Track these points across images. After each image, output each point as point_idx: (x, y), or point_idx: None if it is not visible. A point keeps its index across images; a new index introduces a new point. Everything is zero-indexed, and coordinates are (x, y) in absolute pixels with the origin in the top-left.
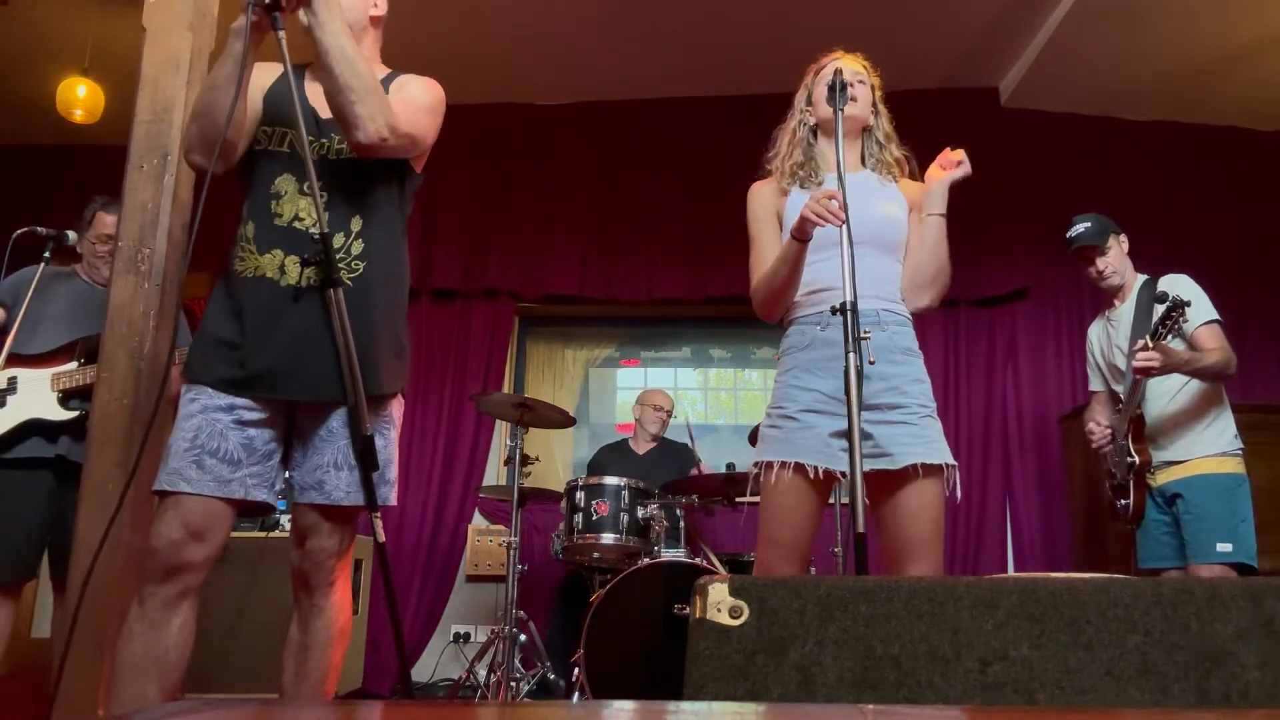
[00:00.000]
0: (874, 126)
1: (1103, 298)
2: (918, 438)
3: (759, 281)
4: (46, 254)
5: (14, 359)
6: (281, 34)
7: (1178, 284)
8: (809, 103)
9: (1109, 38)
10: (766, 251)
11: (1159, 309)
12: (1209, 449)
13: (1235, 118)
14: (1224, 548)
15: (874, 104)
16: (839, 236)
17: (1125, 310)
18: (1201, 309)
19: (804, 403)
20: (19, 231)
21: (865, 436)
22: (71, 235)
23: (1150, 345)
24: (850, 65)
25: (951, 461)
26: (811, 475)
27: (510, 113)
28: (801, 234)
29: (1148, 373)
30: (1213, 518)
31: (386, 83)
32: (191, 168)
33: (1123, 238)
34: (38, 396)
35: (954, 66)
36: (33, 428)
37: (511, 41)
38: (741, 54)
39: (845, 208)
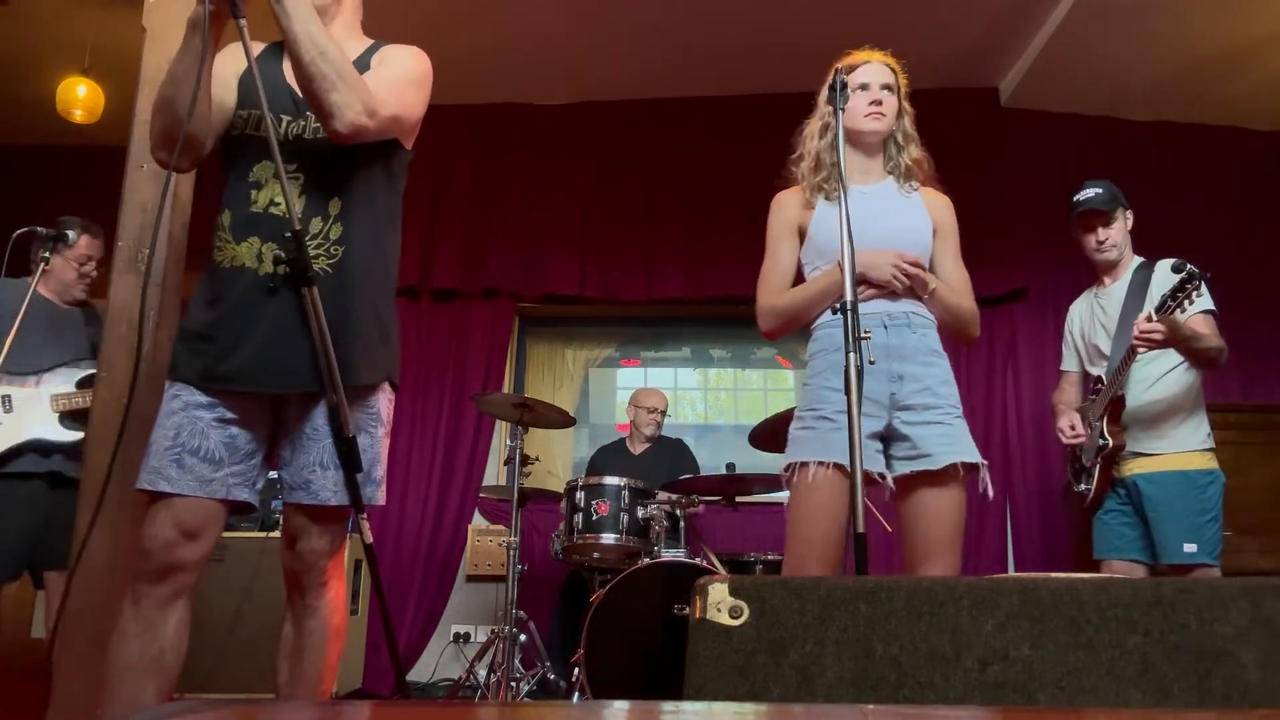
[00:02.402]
0: (896, 129)
1: (1093, 275)
2: (953, 438)
3: (780, 303)
4: (47, 254)
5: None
6: (243, 22)
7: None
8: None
9: (1109, 38)
10: (783, 266)
11: (1174, 278)
12: (1180, 445)
13: (1235, 118)
14: (1189, 548)
15: (899, 107)
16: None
17: (1116, 289)
18: (1201, 298)
19: (839, 404)
20: (19, 231)
21: (901, 438)
22: (72, 235)
23: (1155, 317)
24: (878, 70)
25: (983, 460)
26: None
27: (510, 113)
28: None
29: (1148, 345)
30: (1179, 516)
31: (368, 55)
32: (159, 165)
33: (1129, 214)
34: (38, 416)
35: (954, 66)
36: (31, 445)
37: (512, 42)
38: (741, 54)
39: (846, 212)
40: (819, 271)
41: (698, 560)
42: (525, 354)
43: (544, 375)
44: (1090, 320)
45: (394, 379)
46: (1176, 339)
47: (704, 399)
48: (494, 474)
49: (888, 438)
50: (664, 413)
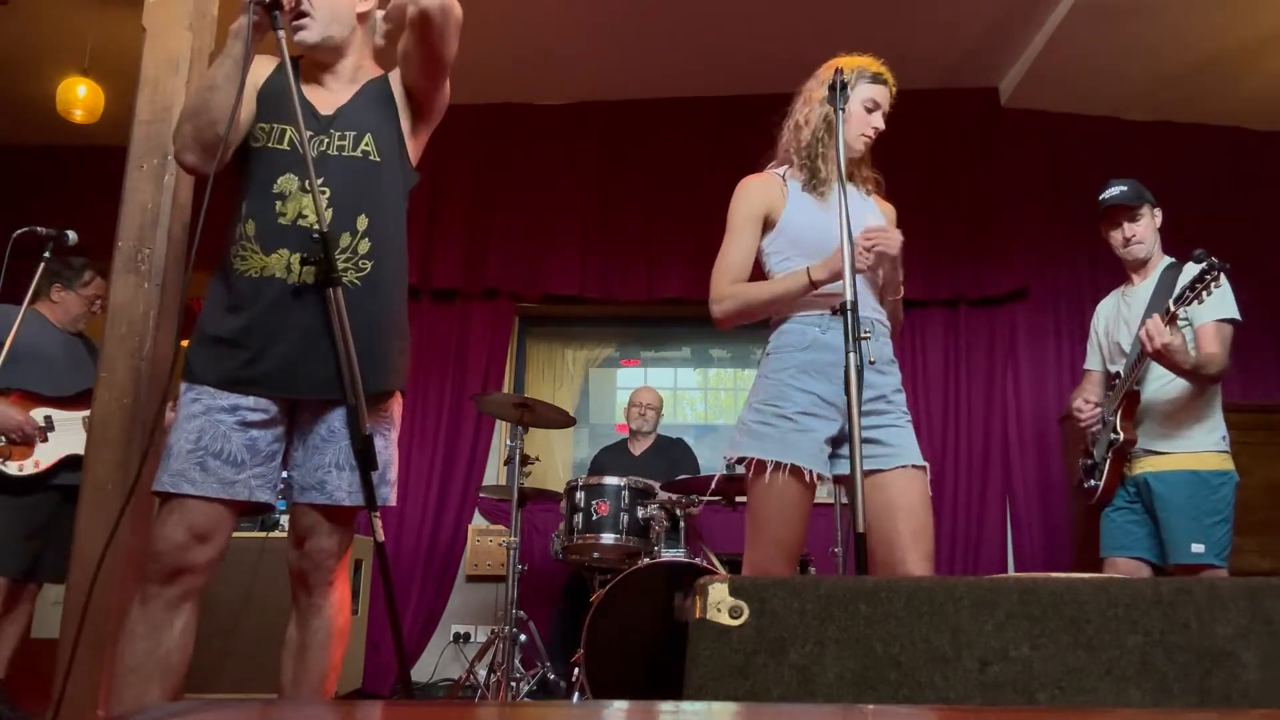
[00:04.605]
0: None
1: (1122, 274)
2: (903, 441)
3: (741, 294)
4: (46, 254)
5: (40, 399)
6: (282, 33)
7: None
8: (832, 106)
9: (1109, 38)
10: (745, 252)
11: (1194, 268)
12: (1194, 445)
13: (1235, 118)
14: (1197, 549)
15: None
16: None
17: (1144, 287)
18: (1221, 304)
19: (802, 405)
20: (19, 231)
21: (867, 440)
22: (72, 235)
23: (1171, 310)
24: (885, 95)
25: (926, 463)
26: (807, 479)
27: (510, 113)
28: (820, 281)
29: (1147, 342)
30: (1189, 516)
31: (381, 83)
32: (184, 168)
33: (1157, 211)
34: (76, 435)
35: (954, 66)
36: (70, 461)
37: (511, 42)
38: (741, 54)
39: (846, 212)
40: (789, 264)
41: (698, 560)
42: (525, 354)
43: (544, 375)
44: (1115, 318)
45: (404, 386)
46: (1171, 359)
47: (704, 399)
48: (494, 474)
49: (839, 440)
50: (657, 410)
